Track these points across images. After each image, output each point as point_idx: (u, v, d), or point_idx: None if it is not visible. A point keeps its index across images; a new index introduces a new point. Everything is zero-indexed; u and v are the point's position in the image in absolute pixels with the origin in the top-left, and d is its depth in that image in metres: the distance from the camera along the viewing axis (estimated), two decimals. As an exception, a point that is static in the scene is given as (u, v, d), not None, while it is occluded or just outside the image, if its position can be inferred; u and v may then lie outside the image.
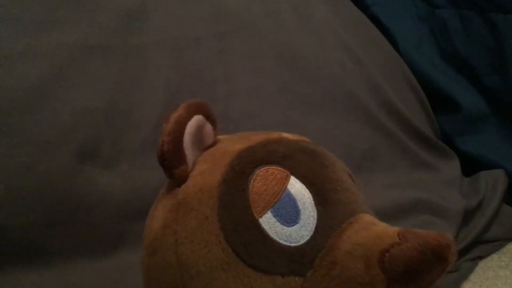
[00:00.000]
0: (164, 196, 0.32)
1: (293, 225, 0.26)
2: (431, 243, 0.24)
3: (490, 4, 0.80)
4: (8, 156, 0.45)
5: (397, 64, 0.85)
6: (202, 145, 0.33)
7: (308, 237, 0.26)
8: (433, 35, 0.89)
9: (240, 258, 0.26)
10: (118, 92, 0.53)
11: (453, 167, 0.84)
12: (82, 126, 0.49)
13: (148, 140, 0.53)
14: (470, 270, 0.63)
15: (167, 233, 0.29)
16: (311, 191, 0.28)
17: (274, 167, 0.29)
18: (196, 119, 0.31)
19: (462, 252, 0.65)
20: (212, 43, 0.62)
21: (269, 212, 0.27)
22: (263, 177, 0.28)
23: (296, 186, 0.28)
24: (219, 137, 0.35)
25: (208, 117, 0.32)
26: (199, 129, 0.31)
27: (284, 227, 0.26)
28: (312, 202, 0.27)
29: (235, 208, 0.27)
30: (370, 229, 0.27)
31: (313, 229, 0.26)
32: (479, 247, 0.68)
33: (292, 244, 0.26)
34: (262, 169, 0.28)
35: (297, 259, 0.26)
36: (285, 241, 0.26)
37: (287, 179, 0.28)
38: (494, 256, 0.67)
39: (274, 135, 0.33)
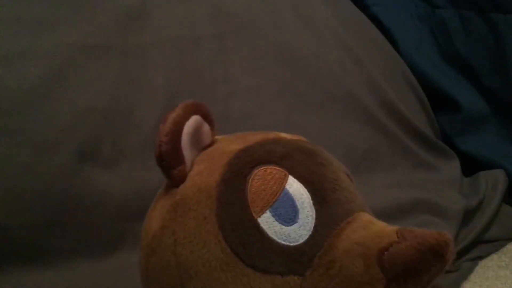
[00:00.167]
0: (162, 197, 0.32)
1: (292, 225, 0.26)
2: (429, 242, 0.24)
3: (490, 4, 0.80)
4: (8, 156, 0.45)
5: (397, 64, 0.85)
6: (199, 145, 0.33)
7: (306, 237, 0.26)
8: (433, 35, 0.89)
9: (239, 258, 0.26)
10: (118, 92, 0.53)
11: (453, 167, 0.84)
12: (82, 126, 0.49)
13: (148, 140, 0.53)
14: (470, 270, 0.63)
15: (165, 234, 0.29)
16: (309, 191, 0.28)
17: (272, 166, 0.29)
18: (194, 119, 0.31)
19: (462, 252, 0.65)
20: (212, 43, 0.62)
21: (267, 211, 0.27)
22: (261, 177, 0.28)
23: (294, 186, 0.28)
24: (217, 137, 0.35)
25: (206, 117, 0.32)
26: (197, 129, 0.31)
27: (283, 226, 0.26)
28: (311, 201, 0.27)
29: (233, 208, 0.27)
30: (369, 228, 0.27)
31: (312, 228, 0.26)
32: (479, 247, 0.68)
33: (291, 244, 0.26)
34: (260, 169, 0.28)
35: (296, 259, 0.26)
36: (284, 240, 0.26)
37: (285, 179, 0.28)
38: (494, 256, 0.67)
39: (272, 135, 0.33)
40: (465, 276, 0.62)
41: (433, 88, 0.87)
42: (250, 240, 0.26)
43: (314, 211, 0.27)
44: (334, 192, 0.28)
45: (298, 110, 0.69)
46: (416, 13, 0.89)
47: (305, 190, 0.28)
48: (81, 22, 0.51)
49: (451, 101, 0.86)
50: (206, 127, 0.33)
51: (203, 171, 0.30)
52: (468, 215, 0.70)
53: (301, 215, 0.27)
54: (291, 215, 0.27)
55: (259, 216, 0.26)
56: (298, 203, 0.27)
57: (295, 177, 0.28)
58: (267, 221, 0.26)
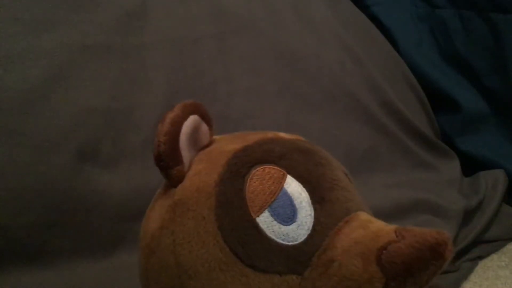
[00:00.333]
0: (160, 197, 0.32)
1: (291, 224, 0.26)
2: (428, 240, 0.24)
3: (490, 4, 0.80)
4: (8, 156, 0.45)
5: (397, 64, 0.85)
6: (198, 145, 0.33)
7: (305, 236, 0.26)
8: (433, 35, 0.89)
9: (238, 257, 0.26)
10: (118, 92, 0.53)
11: (453, 167, 0.84)
12: (82, 126, 0.49)
13: (148, 140, 0.53)
14: (470, 270, 0.63)
15: (164, 234, 0.29)
16: (307, 190, 0.28)
17: (271, 166, 0.29)
18: (192, 119, 0.31)
19: (462, 252, 0.65)
20: (212, 43, 0.62)
21: (266, 211, 0.27)
22: (259, 177, 0.28)
23: (292, 185, 0.28)
24: (215, 137, 0.35)
25: (204, 117, 0.32)
26: (195, 129, 0.31)
27: (282, 226, 0.26)
28: (309, 201, 0.27)
29: (232, 207, 0.27)
30: (367, 227, 0.27)
31: (310, 228, 0.26)
32: (479, 247, 0.68)
33: (290, 243, 0.26)
34: (258, 168, 0.28)
35: (294, 258, 0.26)
36: (283, 240, 0.26)
37: (283, 178, 0.28)
38: (494, 256, 0.67)
39: (270, 134, 0.33)
40: (465, 276, 0.62)
41: (433, 88, 0.87)
42: (249, 240, 0.26)
43: (312, 210, 0.27)
44: (332, 191, 0.28)
45: (298, 110, 0.69)
46: (416, 13, 0.90)
47: (304, 189, 0.28)
48: (81, 22, 0.51)
49: (451, 101, 0.86)
50: (204, 127, 0.33)
51: (202, 171, 0.30)
52: (468, 215, 0.70)
53: (299, 215, 0.27)
54: (289, 215, 0.27)
55: (258, 216, 0.26)
56: (296, 202, 0.27)
57: (293, 176, 0.28)
58: (265, 221, 0.26)
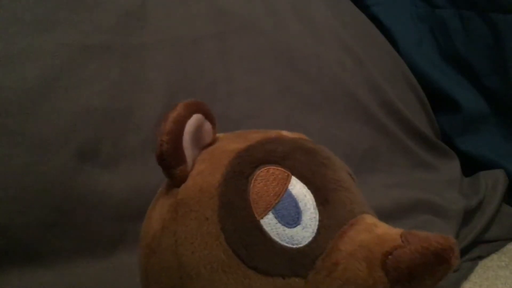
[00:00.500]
0: (162, 196, 0.31)
1: (295, 227, 0.26)
2: (434, 246, 0.24)
3: (490, 4, 0.79)
4: (8, 156, 0.45)
5: (397, 64, 0.85)
6: (201, 144, 0.32)
7: (310, 239, 0.26)
8: (433, 35, 0.89)
9: (241, 259, 0.26)
10: (118, 92, 0.53)
11: (453, 167, 0.84)
12: (82, 126, 0.49)
13: (148, 140, 0.53)
14: (470, 270, 0.63)
15: (166, 234, 0.28)
16: (312, 191, 0.27)
17: (274, 167, 0.28)
18: (195, 118, 0.30)
19: (462, 252, 0.65)
20: (212, 43, 0.62)
21: (270, 213, 0.26)
22: (263, 178, 0.28)
23: (297, 187, 0.27)
24: (218, 135, 0.34)
25: (207, 115, 0.32)
26: (198, 128, 0.31)
27: (286, 228, 0.26)
28: (314, 203, 0.27)
29: (236, 209, 0.27)
30: (372, 231, 0.26)
31: (315, 230, 0.26)
32: (479, 247, 0.68)
33: (294, 246, 0.26)
34: (262, 169, 0.28)
35: (298, 261, 0.26)
36: (287, 242, 0.26)
37: (288, 180, 0.27)
38: (494, 256, 0.67)
39: (273, 133, 0.33)
40: (465, 276, 0.62)
41: (433, 88, 0.87)
42: (252, 242, 0.26)
43: (317, 212, 0.27)
44: (336, 193, 0.28)
45: (298, 110, 0.69)
46: (416, 13, 0.89)
47: (308, 191, 0.27)
48: (81, 22, 0.51)
49: (451, 101, 0.86)
50: (207, 125, 0.32)
51: (204, 171, 0.29)
52: (468, 215, 0.70)
53: (304, 217, 0.26)
54: (294, 217, 0.26)
55: (262, 218, 0.26)
56: (301, 204, 0.27)
57: (297, 177, 0.28)
58: (269, 223, 0.26)
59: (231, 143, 0.31)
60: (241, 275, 0.26)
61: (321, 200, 0.27)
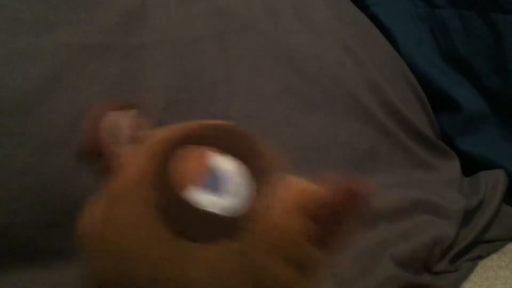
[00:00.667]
0: (97, 197, 0.33)
1: (224, 196, 0.28)
2: (346, 185, 0.27)
3: (490, 4, 0.80)
4: (8, 156, 0.45)
5: (397, 64, 0.85)
6: (123, 139, 0.34)
7: (240, 204, 0.28)
8: (433, 35, 0.89)
9: (175, 232, 0.27)
10: (118, 92, 0.53)
11: (453, 167, 0.84)
12: (82, 126, 0.49)
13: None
14: (470, 270, 0.63)
15: (107, 225, 0.30)
16: (236, 162, 0.30)
17: (197, 145, 0.31)
18: (111, 114, 0.33)
19: (462, 252, 0.65)
20: (212, 43, 0.62)
21: (199, 186, 0.28)
22: (188, 155, 0.30)
23: (221, 160, 0.30)
24: (148, 131, 0.36)
25: (141, 111, 0.35)
26: (116, 124, 0.33)
27: (216, 198, 0.28)
28: (239, 171, 0.30)
29: (165, 186, 0.29)
30: (297, 187, 0.30)
31: (245, 196, 0.29)
32: (479, 247, 0.68)
33: (224, 213, 0.28)
34: (186, 148, 0.30)
35: (230, 225, 0.28)
36: (216, 210, 0.28)
37: (212, 155, 0.30)
38: (494, 256, 0.67)
39: (196, 122, 0.36)
40: (465, 276, 0.62)
41: (433, 88, 0.87)
42: (183, 213, 0.28)
43: (244, 179, 0.29)
44: (261, 162, 0.31)
45: (298, 110, 0.69)
46: (416, 13, 0.90)
47: (233, 162, 0.30)
48: (81, 22, 0.51)
49: (451, 101, 0.86)
50: (142, 121, 0.35)
51: (132, 161, 0.31)
52: (468, 215, 0.70)
53: (230, 186, 0.29)
54: (222, 187, 0.29)
55: (191, 191, 0.28)
56: (226, 175, 0.29)
57: (221, 152, 0.30)
58: (199, 195, 0.28)
59: (157, 134, 0.34)
60: (177, 246, 0.27)
61: (247, 167, 0.30)
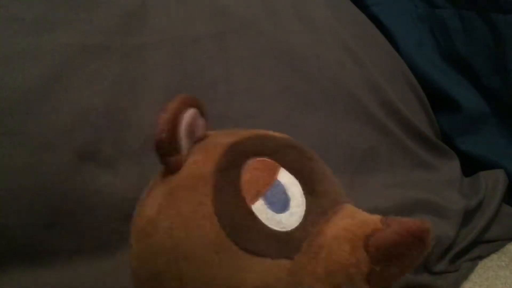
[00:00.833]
0: (156, 185, 0.33)
1: (283, 212, 0.28)
2: (411, 227, 0.26)
3: (490, 4, 0.80)
4: (8, 156, 0.45)
5: (397, 64, 0.85)
6: (193, 137, 0.34)
7: (297, 224, 0.28)
8: (433, 35, 0.89)
9: (233, 241, 0.27)
10: (118, 92, 0.53)
11: (453, 167, 0.84)
12: (82, 126, 0.49)
13: (148, 140, 0.53)
14: (470, 270, 0.63)
15: (162, 218, 0.30)
16: (299, 182, 0.30)
17: (265, 158, 0.31)
18: (191, 111, 0.32)
19: (462, 252, 0.65)
20: (212, 43, 0.62)
21: (261, 199, 0.28)
22: (255, 167, 0.30)
23: (286, 177, 0.30)
24: (208, 132, 0.36)
25: (201, 111, 0.34)
26: (193, 121, 0.33)
27: (275, 213, 0.28)
28: (301, 191, 0.30)
29: (228, 194, 0.29)
30: (355, 217, 0.29)
31: (302, 216, 0.28)
32: (479, 247, 0.68)
33: (282, 230, 0.28)
34: (254, 160, 0.30)
35: (286, 243, 0.28)
36: (276, 226, 0.28)
37: (277, 170, 0.30)
38: (494, 256, 0.67)
39: (262, 131, 0.35)
40: (465, 276, 0.62)
41: (433, 88, 0.87)
42: (243, 225, 0.28)
43: (304, 200, 0.29)
44: (321, 184, 0.31)
45: (298, 110, 0.69)
46: (416, 13, 0.90)
47: (296, 181, 0.30)
48: (80, 22, 0.51)
49: (451, 101, 0.86)
50: (201, 121, 0.35)
51: (199, 161, 0.31)
52: (468, 215, 0.70)
53: (292, 204, 0.29)
54: (282, 204, 0.29)
55: (253, 203, 0.28)
56: (289, 192, 0.29)
57: (286, 168, 0.30)
58: (260, 208, 0.28)
59: (223, 138, 0.33)
60: (232, 255, 0.27)
61: (308, 190, 0.30)
